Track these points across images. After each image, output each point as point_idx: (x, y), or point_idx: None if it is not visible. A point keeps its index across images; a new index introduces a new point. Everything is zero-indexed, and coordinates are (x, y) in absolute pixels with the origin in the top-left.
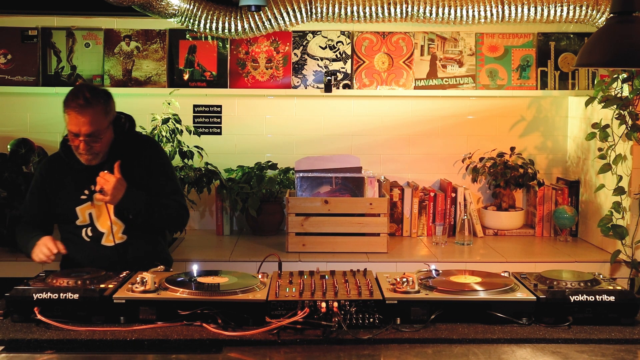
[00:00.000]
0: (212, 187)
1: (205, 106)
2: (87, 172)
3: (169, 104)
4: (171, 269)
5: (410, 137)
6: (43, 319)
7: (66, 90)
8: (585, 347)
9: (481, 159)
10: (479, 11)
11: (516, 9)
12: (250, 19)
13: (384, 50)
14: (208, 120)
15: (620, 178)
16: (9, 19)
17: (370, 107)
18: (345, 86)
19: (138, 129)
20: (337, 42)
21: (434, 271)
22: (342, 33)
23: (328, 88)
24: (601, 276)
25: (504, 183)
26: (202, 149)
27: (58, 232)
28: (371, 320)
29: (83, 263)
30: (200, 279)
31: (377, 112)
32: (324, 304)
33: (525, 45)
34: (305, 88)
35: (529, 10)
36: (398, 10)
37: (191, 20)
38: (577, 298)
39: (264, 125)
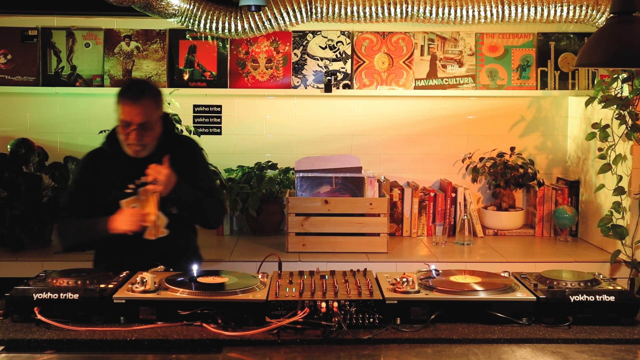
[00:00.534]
0: None
1: (205, 106)
2: (132, 166)
3: (169, 104)
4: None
5: (410, 137)
6: (43, 319)
7: (66, 90)
8: (585, 347)
9: (481, 159)
10: (479, 11)
11: (516, 9)
12: (250, 19)
13: (384, 50)
14: (208, 120)
15: (620, 178)
16: (9, 19)
17: (370, 107)
18: (345, 86)
19: None
20: (337, 42)
21: (434, 271)
22: (342, 33)
23: (328, 88)
24: (601, 276)
25: (504, 183)
26: (202, 149)
27: None
28: (371, 320)
29: (122, 256)
30: (200, 279)
31: (377, 112)
32: (324, 304)
33: (525, 45)
34: (305, 88)
35: (529, 10)
36: (398, 10)
37: (191, 20)
38: (577, 298)
39: (264, 125)
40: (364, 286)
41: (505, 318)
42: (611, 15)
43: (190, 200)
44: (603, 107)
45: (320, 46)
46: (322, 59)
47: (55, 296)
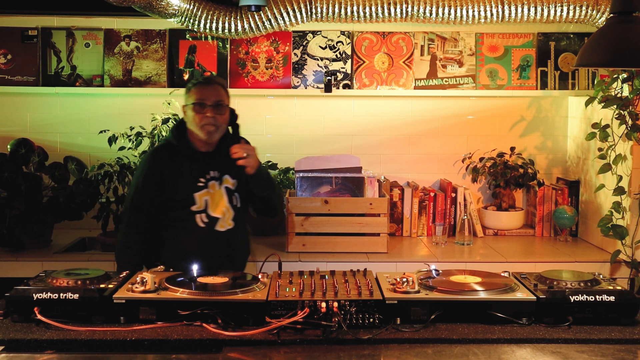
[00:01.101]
0: None
1: None
2: (201, 160)
3: (169, 104)
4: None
5: (410, 137)
6: (43, 319)
7: (66, 90)
8: (585, 347)
9: (481, 159)
10: (479, 11)
11: (516, 9)
12: (250, 19)
13: (384, 50)
14: None
15: (620, 178)
16: (9, 19)
17: (370, 107)
18: (345, 86)
19: (138, 129)
20: (337, 42)
21: (434, 271)
22: (342, 33)
23: (328, 88)
24: (601, 276)
25: (504, 183)
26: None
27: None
28: (371, 320)
29: (194, 249)
30: (200, 279)
31: (377, 112)
32: (324, 304)
33: (525, 45)
34: (305, 88)
35: (529, 10)
36: (398, 10)
37: (191, 20)
38: (577, 298)
39: (264, 125)
40: (364, 286)
41: (505, 318)
42: (611, 15)
43: (270, 182)
44: (603, 107)
45: (320, 46)
46: (322, 59)
47: (55, 296)
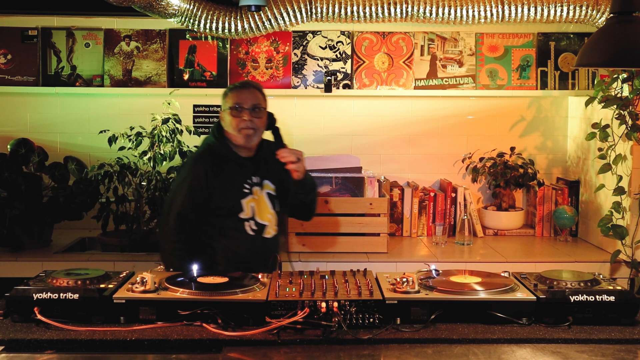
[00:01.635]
0: None
1: (205, 106)
2: (244, 165)
3: (169, 104)
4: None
5: (410, 137)
6: (43, 319)
7: (66, 90)
8: (585, 347)
9: (481, 159)
10: (479, 11)
11: (516, 9)
12: (250, 19)
13: (384, 50)
14: (208, 120)
15: (620, 178)
16: (9, 19)
17: (370, 107)
18: (345, 86)
19: (138, 129)
20: (337, 42)
21: (434, 271)
22: (342, 33)
23: (328, 88)
24: (601, 276)
25: (504, 183)
26: None
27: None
28: (371, 320)
29: (245, 256)
30: (200, 279)
31: (377, 112)
32: (324, 304)
33: (525, 45)
34: (305, 88)
35: (529, 10)
36: (398, 10)
37: (191, 20)
38: (577, 298)
39: None
40: (364, 286)
41: (505, 318)
42: (611, 15)
43: (314, 186)
44: (603, 107)
45: (320, 46)
46: (322, 59)
47: (55, 296)
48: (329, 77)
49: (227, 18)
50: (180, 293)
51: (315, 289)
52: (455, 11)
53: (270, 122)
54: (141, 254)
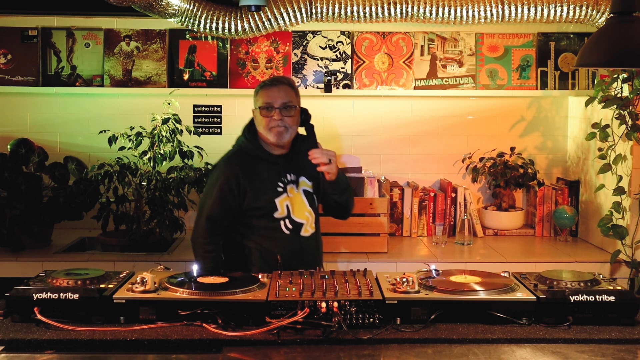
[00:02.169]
0: None
1: (205, 106)
2: (277, 163)
3: (169, 104)
4: None
5: (410, 137)
6: (43, 319)
7: (66, 90)
8: (585, 347)
9: (481, 159)
10: (479, 11)
11: (516, 9)
12: (250, 19)
13: (384, 50)
14: (208, 120)
15: (620, 178)
16: (9, 19)
17: (370, 107)
18: (345, 86)
19: (138, 129)
20: (337, 42)
21: (434, 271)
22: (342, 33)
23: (328, 88)
24: (601, 276)
25: (504, 183)
26: (202, 149)
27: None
28: (371, 320)
29: (283, 255)
30: (200, 279)
31: (377, 112)
32: (324, 304)
33: (525, 45)
34: (305, 88)
35: (529, 10)
36: (398, 10)
37: (191, 20)
38: (577, 298)
39: None
40: (364, 286)
41: (505, 318)
42: (611, 15)
43: (348, 186)
44: (603, 107)
45: (320, 46)
46: (322, 59)
47: (55, 296)
48: (329, 77)
49: (227, 18)
50: (180, 293)
51: (315, 289)
52: (455, 11)
53: (305, 117)
54: (141, 254)
